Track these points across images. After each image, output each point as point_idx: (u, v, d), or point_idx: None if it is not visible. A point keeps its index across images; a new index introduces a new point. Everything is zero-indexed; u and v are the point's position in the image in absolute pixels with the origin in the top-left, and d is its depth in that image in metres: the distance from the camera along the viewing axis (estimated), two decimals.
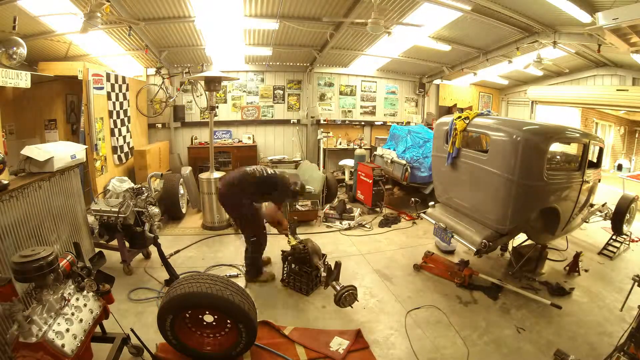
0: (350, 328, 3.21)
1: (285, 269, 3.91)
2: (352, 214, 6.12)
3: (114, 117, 6.23)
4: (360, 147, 8.71)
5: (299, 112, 9.10)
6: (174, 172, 6.89)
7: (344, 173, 8.59)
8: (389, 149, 7.34)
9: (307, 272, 3.73)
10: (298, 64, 8.69)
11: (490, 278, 3.99)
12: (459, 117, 4.07)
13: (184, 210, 6.19)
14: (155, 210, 4.13)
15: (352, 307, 3.34)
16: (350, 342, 2.99)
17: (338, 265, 3.43)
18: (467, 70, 8.71)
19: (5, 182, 2.65)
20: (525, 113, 10.08)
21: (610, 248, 4.92)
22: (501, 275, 4.28)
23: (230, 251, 4.84)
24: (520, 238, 4.58)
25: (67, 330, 2.13)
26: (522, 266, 4.21)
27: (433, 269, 4.29)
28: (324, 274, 3.54)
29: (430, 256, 4.44)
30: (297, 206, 5.77)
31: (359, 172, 6.84)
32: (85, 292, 2.40)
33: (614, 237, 5.03)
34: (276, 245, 4.59)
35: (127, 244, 4.07)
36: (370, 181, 6.44)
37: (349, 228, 5.79)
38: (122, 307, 3.32)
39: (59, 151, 3.27)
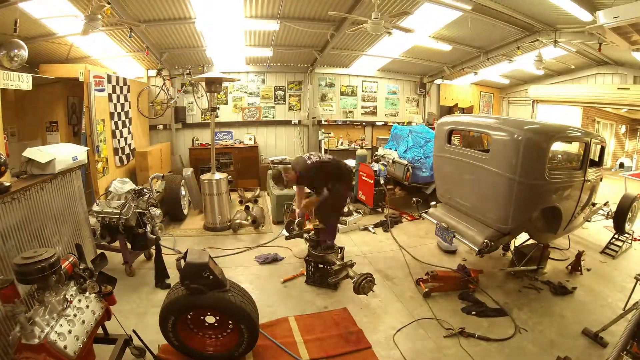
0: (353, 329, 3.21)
1: (311, 269, 3.97)
2: (352, 217, 6.09)
3: (115, 118, 6.24)
4: (362, 148, 8.71)
5: (300, 112, 9.11)
6: (176, 174, 6.90)
7: None
8: (391, 149, 7.34)
9: (326, 268, 3.84)
10: (299, 65, 8.70)
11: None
12: None
13: (185, 212, 6.19)
14: (156, 211, 4.14)
15: (367, 294, 3.43)
16: (352, 343, 2.99)
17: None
18: (467, 70, 8.71)
19: (7, 184, 2.66)
20: (526, 112, 10.07)
21: (613, 247, 4.90)
22: (502, 275, 4.28)
23: (232, 252, 4.84)
24: (523, 237, 4.57)
25: (70, 331, 2.13)
26: (524, 265, 4.20)
27: (443, 287, 3.89)
28: (336, 267, 3.67)
29: (433, 275, 3.91)
30: (294, 206, 5.73)
31: (361, 173, 6.84)
32: (87, 294, 2.41)
33: (616, 236, 5.01)
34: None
35: (128, 246, 4.08)
36: (372, 181, 6.44)
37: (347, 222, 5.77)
38: (124, 309, 3.32)
39: (60, 153, 3.28)
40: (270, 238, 5.31)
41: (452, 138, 4.61)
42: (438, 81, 10.06)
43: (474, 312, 3.50)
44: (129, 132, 6.84)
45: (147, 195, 4.10)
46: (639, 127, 12.36)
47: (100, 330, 2.59)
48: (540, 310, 3.55)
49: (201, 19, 5.68)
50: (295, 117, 9.11)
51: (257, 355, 2.83)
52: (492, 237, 3.62)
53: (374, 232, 5.70)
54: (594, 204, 4.81)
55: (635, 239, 5.20)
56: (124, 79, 6.61)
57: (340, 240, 5.28)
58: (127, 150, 6.71)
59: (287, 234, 4.68)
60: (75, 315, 2.22)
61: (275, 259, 4.56)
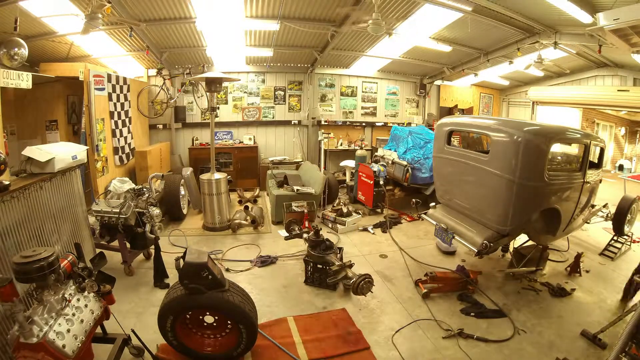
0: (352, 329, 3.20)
1: (310, 270, 3.97)
2: (351, 217, 6.09)
3: (115, 118, 6.24)
4: (361, 148, 8.70)
5: (299, 113, 9.11)
6: (175, 173, 6.89)
7: (344, 174, 8.59)
8: (390, 149, 7.34)
9: (325, 269, 3.85)
10: (299, 65, 8.70)
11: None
12: None
13: (184, 211, 6.19)
14: (156, 211, 4.13)
15: (365, 295, 3.47)
16: (351, 343, 2.99)
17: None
18: (468, 71, 8.70)
19: (7, 182, 2.66)
20: (526, 114, 10.08)
21: (612, 249, 4.91)
22: (501, 276, 4.28)
23: (231, 252, 4.84)
24: (522, 239, 4.57)
25: (68, 330, 2.13)
26: (523, 267, 4.20)
27: (442, 288, 3.89)
28: (335, 268, 3.68)
29: (432, 276, 3.90)
30: (293, 207, 5.74)
31: (360, 173, 6.84)
32: (86, 293, 2.41)
33: (615, 238, 5.02)
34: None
35: (128, 245, 4.08)
36: (371, 182, 6.44)
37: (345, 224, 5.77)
38: (123, 308, 3.32)
39: (60, 152, 3.27)
40: (269, 238, 5.31)
41: (452, 139, 4.61)
42: (438, 82, 10.06)
43: (472, 313, 3.49)
44: (129, 132, 6.84)
45: (147, 195, 4.10)
46: (639, 130, 12.38)
47: (98, 330, 2.59)
48: (539, 312, 3.55)
49: (201, 18, 5.68)
50: (295, 117, 9.10)
51: (255, 355, 2.82)
52: (491, 239, 3.63)
53: (373, 233, 5.69)
54: (593, 206, 4.82)
55: (634, 241, 5.21)
56: (124, 78, 6.61)
57: (340, 241, 5.30)
58: (126, 150, 6.71)
59: (286, 235, 4.69)
60: (73, 315, 2.22)
61: (274, 262, 4.54)
